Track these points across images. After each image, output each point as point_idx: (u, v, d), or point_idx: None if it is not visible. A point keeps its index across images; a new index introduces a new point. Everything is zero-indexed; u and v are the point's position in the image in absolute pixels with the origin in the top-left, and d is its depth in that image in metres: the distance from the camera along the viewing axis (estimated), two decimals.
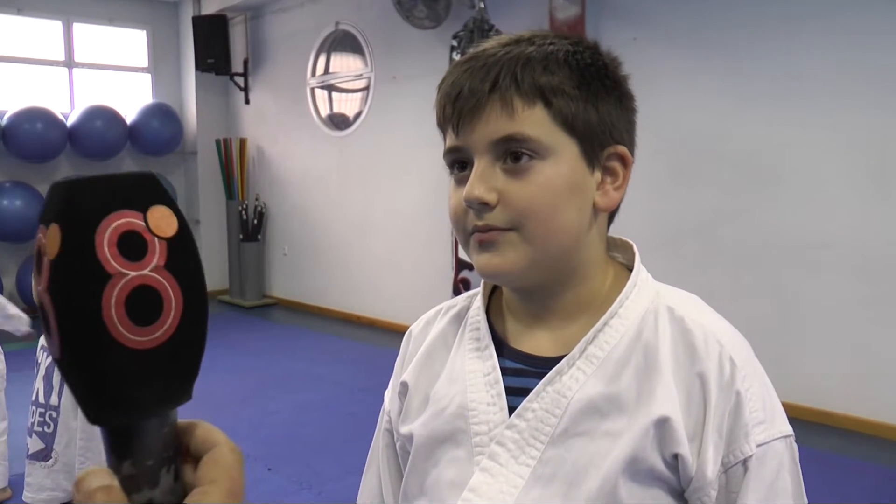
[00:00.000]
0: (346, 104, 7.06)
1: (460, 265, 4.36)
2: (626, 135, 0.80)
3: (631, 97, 0.81)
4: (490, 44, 0.78)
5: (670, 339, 0.76)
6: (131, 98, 7.63)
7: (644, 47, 4.55)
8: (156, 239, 0.39)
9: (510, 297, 0.84)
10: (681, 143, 4.49)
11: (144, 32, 7.77)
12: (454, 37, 4.66)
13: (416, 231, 6.08)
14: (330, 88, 7.14)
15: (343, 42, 6.85)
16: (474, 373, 0.81)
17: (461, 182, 0.77)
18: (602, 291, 0.80)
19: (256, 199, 7.75)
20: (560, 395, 0.76)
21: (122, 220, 0.38)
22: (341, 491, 3.35)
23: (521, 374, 0.80)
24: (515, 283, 0.80)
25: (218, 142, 7.77)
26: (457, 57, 4.46)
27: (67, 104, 7.30)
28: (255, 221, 7.66)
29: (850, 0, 3.86)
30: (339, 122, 7.04)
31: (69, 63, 7.37)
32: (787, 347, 4.05)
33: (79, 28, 7.38)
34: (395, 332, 5.40)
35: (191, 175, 8.02)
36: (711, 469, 0.71)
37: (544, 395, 0.76)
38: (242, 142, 7.80)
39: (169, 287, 0.39)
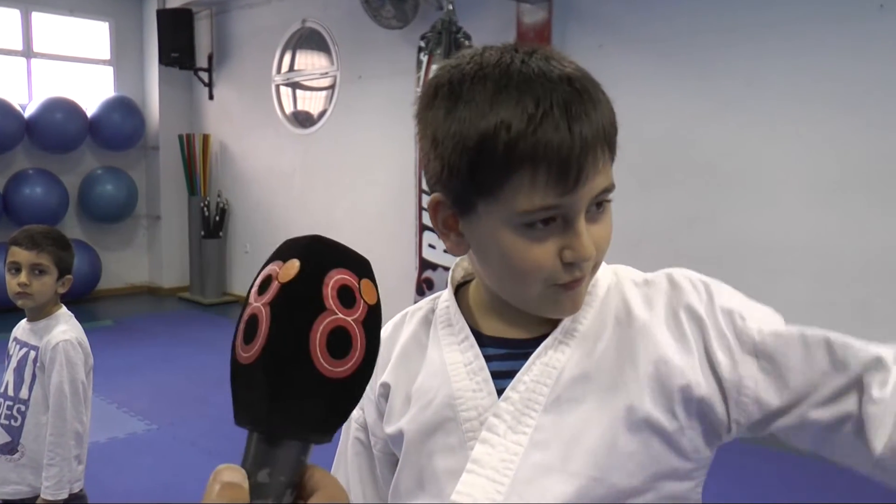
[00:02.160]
0: (311, 102, 7.03)
1: (424, 265, 4.38)
2: None
3: None
4: (531, 74, 0.71)
5: (640, 297, 0.81)
6: (92, 91, 7.50)
7: (610, 53, 4.60)
8: (362, 300, 0.49)
9: (486, 293, 0.85)
10: (645, 149, 4.55)
11: (107, 24, 7.64)
12: (422, 38, 4.67)
13: (380, 231, 6.07)
14: (295, 86, 7.11)
15: (309, 40, 6.82)
16: (455, 364, 0.82)
17: (539, 239, 0.73)
18: None
19: (219, 196, 7.67)
20: (549, 367, 0.79)
21: (345, 276, 0.49)
22: None
23: (506, 357, 0.82)
24: None
25: (181, 137, 7.68)
26: (424, 58, 4.47)
27: (25, 95, 7.15)
28: (217, 218, 7.59)
29: (810, 12, 3.95)
30: (303, 119, 7.01)
31: (27, 53, 7.22)
32: None
33: (38, 17, 7.24)
34: None
35: (152, 170, 7.91)
36: (734, 366, 0.75)
37: (534, 368, 0.79)
38: (205, 137, 7.72)
39: (360, 338, 0.49)
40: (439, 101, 0.75)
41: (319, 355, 0.47)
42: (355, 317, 0.49)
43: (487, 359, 0.82)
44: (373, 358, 0.50)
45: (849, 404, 0.71)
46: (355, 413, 0.93)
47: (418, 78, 4.50)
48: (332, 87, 6.60)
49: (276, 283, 0.48)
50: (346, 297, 0.49)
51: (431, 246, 4.31)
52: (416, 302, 0.95)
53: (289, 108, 7.13)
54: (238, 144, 7.57)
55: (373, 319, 0.50)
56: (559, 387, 0.78)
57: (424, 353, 0.87)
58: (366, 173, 6.26)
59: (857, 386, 0.71)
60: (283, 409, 0.47)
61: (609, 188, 0.75)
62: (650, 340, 0.77)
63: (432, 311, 0.90)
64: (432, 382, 0.83)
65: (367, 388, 0.90)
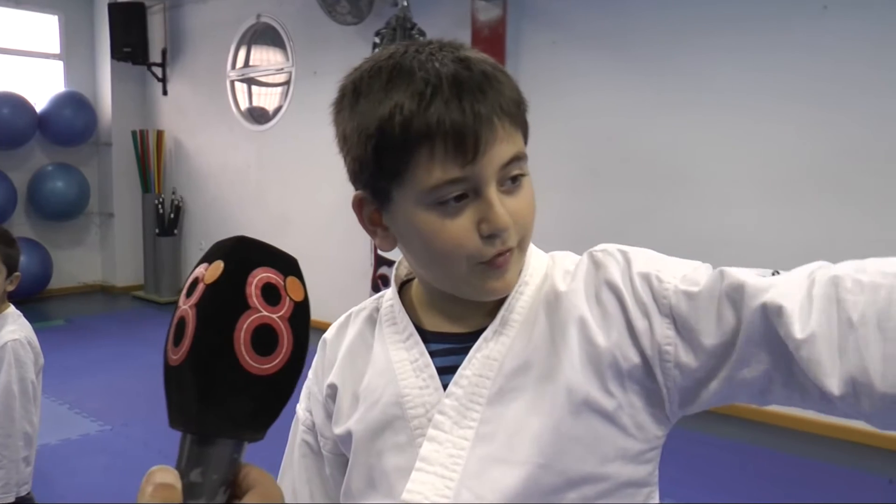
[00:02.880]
0: (266, 98, 6.98)
1: (379, 261, 4.38)
2: None
3: None
4: (434, 69, 0.73)
5: (568, 281, 0.81)
6: (41, 85, 7.34)
7: (562, 50, 4.66)
8: (288, 297, 0.50)
9: (428, 289, 0.86)
10: (595, 144, 4.62)
11: (56, 18, 7.48)
12: (376, 34, 4.67)
13: (336, 227, 6.05)
14: (250, 82, 7.04)
15: (264, 35, 6.76)
16: (401, 362, 0.83)
17: (454, 214, 0.74)
18: None
19: (173, 193, 7.57)
20: (490, 359, 0.79)
21: (269, 275, 0.50)
22: None
23: (449, 353, 0.82)
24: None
25: (134, 133, 7.56)
26: None
27: None
28: (172, 215, 7.49)
29: (757, 11, 4.05)
30: (258, 116, 6.95)
31: None
32: None
33: None
34: (314, 329, 5.37)
35: (105, 167, 7.77)
36: (648, 335, 0.74)
37: (475, 362, 0.79)
38: (159, 134, 7.61)
39: (286, 334, 0.50)
40: (345, 102, 0.79)
41: (245, 353, 0.48)
42: (280, 314, 0.49)
43: (431, 355, 0.82)
44: (302, 354, 0.51)
45: (776, 356, 0.69)
46: (302, 415, 0.94)
47: None
48: (287, 83, 6.56)
49: (202, 284, 0.49)
50: (271, 294, 0.49)
51: None
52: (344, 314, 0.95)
53: (244, 105, 7.06)
54: (193, 141, 7.48)
55: (300, 316, 0.51)
56: (501, 378, 0.78)
57: (370, 353, 0.87)
58: (321, 170, 6.22)
59: (775, 337, 0.68)
60: (211, 408, 0.48)
61: (518, 157, 0.75)
62: (578, 323, 0.77)
63: (377, 310, 0.90)
64: (379, 382, 0.84)
65: (315, 389, 0.92)
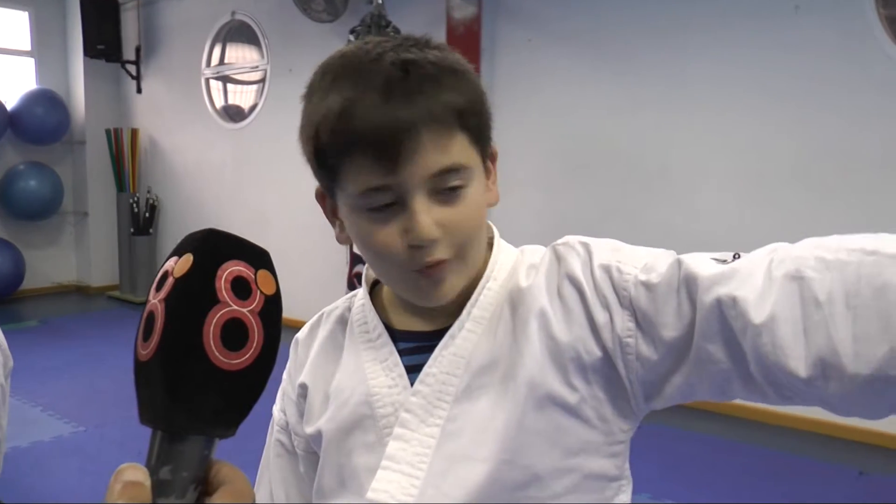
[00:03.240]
0: (242, 96, 6.93)
1: (355, 259, 4.37)
2: (490, 130, 0.82)
3: (484, 91, 0.82)
4: (366, 61, 0.73)
5: (531, 276, 0.81)
6: (12, 83, 7.24)
7: (538, 48, 4.67)
8: (258, 291, 0.49)
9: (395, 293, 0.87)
10: (572, 142, 4.63)
11: (27, 14, 7.38)
12: (351, 31, 4.65)
13: (312, 226, 6.02)
14: (225, 80, 6.99)
15: (239, 32, 6.71)
16: (371, 361, 0.83)
17: (382, 222, 0.74)
18: (482, 269, 0.84)
19: (148, 192, 7.51)
20: (457, 356, 0.79)
21: (239, 268, 0.49)
22: None
23: (416, 351, 0.82)
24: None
25: (108, 131, 7.48)
26: None
27: None
28: (147, 215, 7.43)
29: (729, 10, 4.08)
30: (234, 114, 6.90)
31: None
32: None
33: None
34: (290, 328, 5.35)
35: (79, 166, 7.68)
36: (609, 327, 0.73)
37: (441, 359, 0.79)
38: (134, 132, 7.54)
39: (257, 329, 0.48)
40: (305, 97, 0.79)
41: (214, 348, 0.47)
42: (251, 308, 0.49)
43: (400, 353, 0.83)
44: (273, 348, 0.50)
45: (733, 352, 0.66)
46: (277, 415, 0.94)
47: None
48: (262, 80, 6.52)
49: (171, 278, 0.48)
50: (242, 288, 0.49)
51: None
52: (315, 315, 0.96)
53: (219, 102, 7.01)
54: (168, 139, 7.42)
55: (271, 310, 0.50)
56: (468, 375, 0.78)
57: (341, 353, 0.87)
58: (298, 168, 6.08)
59: (730, 333, 0.66)
60: (181, 404, 0.47)
61: (454, 168, 0.73)
62: (539, 317, 0.77)
63: (348, 309, 0.90)
64: (349, 381, 0.84)
65: (289, 388, 0.92)
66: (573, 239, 0.81)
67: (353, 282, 4.31)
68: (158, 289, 0.49)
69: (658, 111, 4.37)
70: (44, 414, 4.26)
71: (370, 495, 0.78)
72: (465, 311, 0.81)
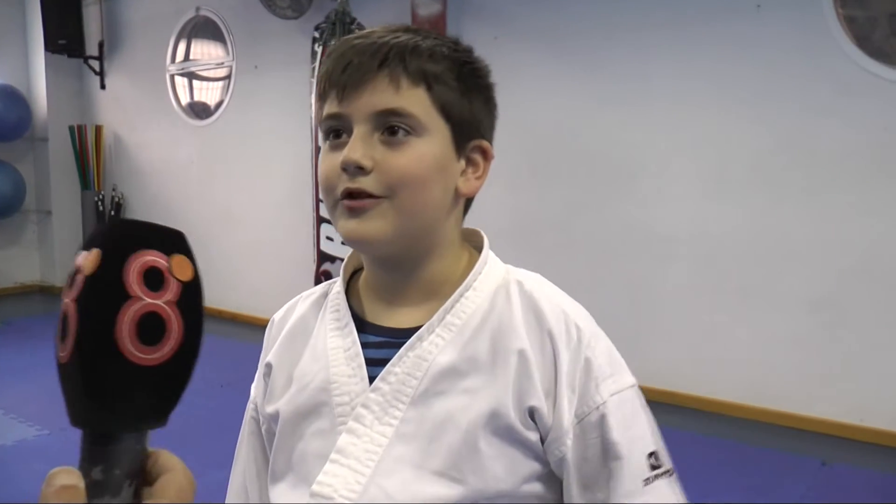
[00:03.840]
0: (207, 93, 6.86)
1: (322, 258, 4.36)
2: (489, 133, 0.88)
3: (496, 104, 0.89)
4: (378, 30, 0.83)
5: (521, 308, 0.82)
6: None
7: (504, 46, 4.67)
8: (173, 279, 0.47)
9: (371, 276, 0.88)
10: (538, 140, 4.65)
11: None
12: (316, 28, 4.63)
13: (279, 223, 6.00)
14: (190, 76, 6.92)
15: (204, 28, 6.64)
16: (336, 349, 0.84)
17: (336, 149, 0.81)
18: (458, 271, 0.86)
19: (114, 190, 7.40)
20: (421, 359, 0.80)
21: (150, 258, 0.47)
22: (205, 486, 3.28)
23: (383, 346, 0.83)
24: (377, 251, 0.85)
25: (72, 128, 7.35)
26: (318, 49, 4.44)
27: None
28: (113, 213, 7.32)
29: (692, 10, 4.12)
30: (199, 110, 6.83)
31: None
32: (638, 333, 4.30)
33: None
34: (257, 326, 5.32)
35: (41, 163, 7.55)
36: (567, 419, 0.78)
37: (406, 360, 0.81)
38: (98, 129, 7.43)
39: (174, 319, 0.47)
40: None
41: (130, 346, 0.45)
42: (167, 298, 0.47)
43: (366, 345, 0.84)
44: (195, 336, 0.49)
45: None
46: (252, 393, 0.96)
47: (313, 69, 4.47)
48: (228, 77, 6.46)
49: (81, 275, 0.46)
50: (154, 279, 0.47)
51: (329, 238, 4.30)
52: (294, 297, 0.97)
53: (185, 99, 6.93)
54: (133, 136, 7.32)
55: (189, 296, 0.48)
56: (427, 379, 0.80)
57: (310, 337, 0.89)
58: (263, 165, 6.17)
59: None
60: (102, 404, 0.46)
61: (399, 112, 0.79)
62: (521, 357, 0.79)
63: (325, 295, 0.92)
64: (313, 366, 0.86)
65: (260, 367, 0.93)
66: (576, 314, 0.83)
67: (320, 279, 4.30)
68: (70, 287, 0.47)
69: (623, 109, 4.40)
70: (6, 417, 4.20)
71: (315, 488, 0.79)
72: (436, 316, 0.82)
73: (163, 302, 0.46)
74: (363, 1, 4.84)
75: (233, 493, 0.97)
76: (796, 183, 3.92)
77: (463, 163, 0.85)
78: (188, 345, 0.48)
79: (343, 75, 0.80)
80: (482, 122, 0.86)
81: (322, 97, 0.83)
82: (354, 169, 0.78)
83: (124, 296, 0.45)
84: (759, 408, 4.04)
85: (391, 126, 0.79)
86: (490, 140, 0.88)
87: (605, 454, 0.79)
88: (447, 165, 0.82)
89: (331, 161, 0.81)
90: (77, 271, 0.47)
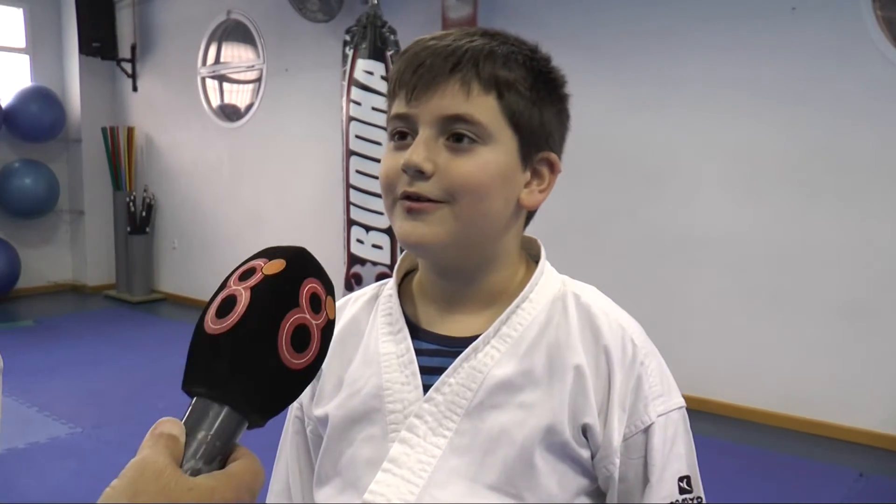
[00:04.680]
0: (238, 95, 6.92)
1: (352, 260, 4.37)
2: (558, 145, 0.86)
3: (568, 115, 0.88)
4: (454, 32, 0.82)
5: (578, 322, 0.81)
6: (7, 80, 7.21)
7: None
8: (325, 311, 0.56)
9: (426, 281, 0.87)
10: (570, 143, 4.60)
11: (21, 11, 7.35)
12: (347, 31, 4.64)
13: (308, 225, 6.03)
14: (221, 78, 6.98)
15: (235, 32, 6.70)
16: (388, 355, 0.83)
17: (400, 149, 0.79)
18: (515, 281, 0.85)
19: (145, 191, 7.49)
20: (476, 370, 0.79)
21: (317, 287, 0.56)
22: None
23: (437, 354, 0.82)
24: (433, 257, 0.84)
25: (104, 129, 7.45)
26: (349, 52, 4.45)
27: None
28: (144, 213, 7.41)
29: (725, 12, 4.08)
30: (230, 113, 6.89)
31: None
32: (669, 339, 4.22)
33: None
34: None
35: (74, 164, 7.66)
36: (617, 438, 0.77)
37: (461, 371, 0.79)
38: (130, 130, 7.52)
39: (317, 340, 0.55)
40: None
41: (284, 343, 0.53)
42: (318, 322, 0.55)
43: (419, 352, 0.83)
44: (320, 363, 0.56)
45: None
46: None
47: (344, 72, 4.48)
48: (258, 80, 6.51)
49: (261, 273, 0.54)
50: (315, 303, 0.55)
51: (360, 241, 4.31)
52: (343, 297, 0.96)
53: (215, 101, 7.00)
54: (164, 138, 7.40)
55: (329, 330, 0.57)
56: (482, 392, 0.79)
57: (361, 340, 0.88)
58: (293, 167, 6.20)
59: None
60: (239, 379, 0.52)
61: (467, 119, 0.77)
62: (577, 373, 0.79)
63: (376, 297, 0.91)
64: (364, 371, 0.85)
65: None
66: (632, 330, 0.83)
67: (350, 282, 4.31)
68: (243, 279, 0.54)
69: (655, 112, 4.37)
70: (40, 414, 4.25)
71: (367, 497, 0.78)
72: (492, 327, 0.81)
73: (315, 323, 0.55)
74: (394, 4, 4.85)
75: (274, 492, 0.97)
76: (829, 187, 3.87)
77: (528, 174, 0.83)
78: (315, 365, 0.55)
79: (414, 76, 0.78)
80: (552, 133, 0.84)
81: (391, 96, 0.82)
82: (415, 172, 0.77)
83: (295, 303, 0.54)
84: (792, 416, 3.99)
85: (457, 133, 0.78)
86: (559, 153, 0.86)
87: (643, 474, 0.79)
88: (511, 176, 0.80)
89: (393, 161, 0.80)
90: (255, 269, 0.55)
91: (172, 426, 0.50)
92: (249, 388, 0.52)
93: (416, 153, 0.77)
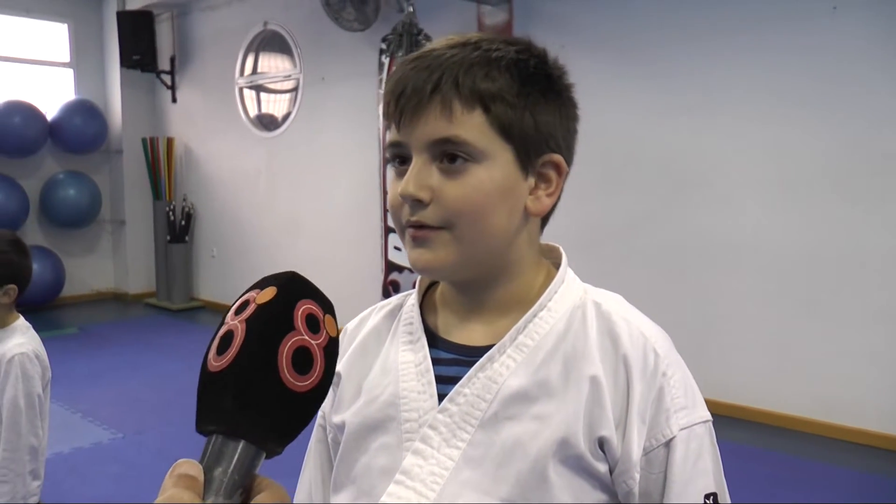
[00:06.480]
0: (275, 105, 7.00)
1: (390, 267, 4.38)
2: (564, 143, 0.82)
3: (573, 105, 0.83)
4: (438, 44, 0.80)
5: (597, 331, 0.79)
6: (52, 94, 7.39)
7: (571, 54, 4.63)
8: (325, 330, 0.56)
9: (446, 291, 0.87)
10: (604, 148, 4.60)
11: (66, 26, 7.53)
12: (383, 40, 4.67)
13: (346, 233, 6.07)
14: (258, 88, 7.07)
15: (271, 42, 6.78)
16: (406, 363, 0.83)
17: (401, 175, 0.79)
18: (534, 288, 0.83)
19: (184, 200, 7.61)
20: (491, 380, 0.78)
21: (313, 307, 0.56)
22: None
23: (454, 363, 0.81)
24: (446, 278, 0.84)
25: (144, 140, 7.60)
26: (385, 60, 4.48)
27: None
28: (183, 222, 7.53)
29: (765, 13, 4.03)
30: (267, 122, 6.97)
31: None
32: (703, 344, 4.21)
33: None
34: None
35: (116, 174, 7.81)
36: (636, 452, 0.74)
37: (476, 381, 0.78)
38: (169, 141, 7.65)
39: (320, 360, 0.55)
40: None
41: (285, 367, 0.53)
42: (319, 342, 0.55)
43: (437, 361, 0.82)
44: (328, 382, 0.56)
45: None
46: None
47: (380, 80, 4.51)
48: (295, 89, 6.58)
49: (254, 304, 0.55)
50: (313, 323, 0.56)
51: (397, 248, 4.32)
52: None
53: (253, 111, 7.09)
54: (203, 148, 7.51)
55: (332, 348, 0.57)
56: (497, 402, 0.77)
57: (381, 349, 0.88)
58: (331, 176, 6.25)
59: None
60: (247, 410, 0.52)
61: (455, 140, 0.75)
62: (594, 383, 0.76)
63: (400, 307, 0.91)
64: (382, 380, 0.84)
65: None
66: (655, 338, 0.80)
67: (387, 289, 4.32)
68: (238, 313, 0.55)
69: (691, 116, 4.33)
70: (83, 420, 4.33)
71: None
72: (508, 335, 0.79)
73: (315, 343, 0.55)
74: (429, 12, 4.87)
75: (299, 501, 0.96)
76: (866, 190, 3.79)
77: (532, 181, 0.80)
78: (322, 387, 0.55)
79: (398, 106, 0.78)
80: (552, 134, 0.80)
81: (386, 121, 0.83)
82: (412, 202, 0.77)
83: (290, 326, 0.54)
84: (828, 423, 3.91)
85: (450, 153, 0.76)
86: (565, 149, 0.83)
87: (664, 490, 0.76)
88: (511, 188, 0.78)
89: (395, 190, 0.80)
90: (248, 302, 0.55)
91: (190, 467, 0.50)
92: (258, 418, 0.52)
93: (410, 183, 0.77)
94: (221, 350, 0.53)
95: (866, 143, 3.77)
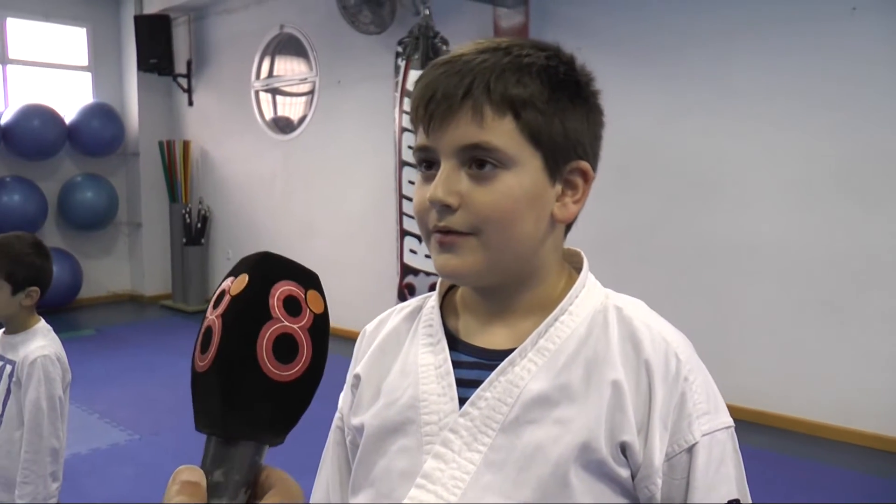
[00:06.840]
0: (291, 108, 7.02)
1: (406, 270, 4.38)
2: (591, 149, 0.82)
3: (600, 112, 0.83)
4: (467, 48, 0.79)
5: (618, 335, 0.78)
6: (70, 97, 7.45)
7: (587, 56, 4.55)
8: (308, 310, 0.53)
9: (467, 295, 0.87)
10: (622, 150, 4.58)
11: (84, 30, 7.59)
12: (399, 43, 4.67)
13: (361, 236, 6.08)
14: (274, 92, 7.09)
15: (288, 45, 6.80)
16: (426, 366, 0.83)
17: (428, 180, 0.79)
18: (556, 293, 0.83)
19: (200, 203, 7.64)
20: (512, 384, 0.78)
21: (291, 288, 0.52)
22: None
23: (475, 366, 0.81)
24: (472, 283, 0.84)
25: (161, 143, 7.64)
26: (402, 63, 4.48)
27: (1, 102, 7.10)
28: (199, 225, 7.56)
29: (783, 13, 4.00)
30: (283, 125, 6.99)
31: (2, 59, 7.16)
32: (721, 348, 4.18)
33: (12, 23, 7.17)
34: (340, 338, 5.38)
35: (133, 177, 7.87)
36: (658, 457, 0.74)
37: (497, 385, 0.78)
38: (186, 144, 7.69)
39: (306, 343, 0.52)
40: None
41: (266, 360, 0.50)
42: (301, 324, 0.52)
43: (457, 365, 0.82)
44: (321, 363, 0.53)
45: None
46: (340, 403, 0.95)
47: (396, 83, 4.51)
48: (311, 92, 6.60)
49: (228, 296, 0.52)
50: (292, 306, 0.52)
51: (413, 251, 4.32)
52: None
53: (269, 114, 7.11)
54: (219, 151, 7.55)
55: (319, 327, 0.53)
56: (518, 406, 0.77)
57: (400, 350, 0.87)
58: (346, 179, 6.26)
59: None
60: (235, 410, 0.50)
61: (485, 146, 0.75)
62: (615, 388, 0.76)
63: (419, 309, 0.90)
64: (402, 382, 0.84)
65: (349, 377, 0.92)
66: (677, 344, 0.79)
67: (403, 292, 4.32)
68: (215, 306, 0.52)
69: (708, 118, 4.30)
70: (101, 421, 4.35)
71: None
72: (529, 340, 0.79)
73: (297, 327, 0.52)
74: (446, 15, 4.88)
75: (315, 502, 0.96)
76: (886, 193, 3.75)
77: (559, 187, 0.80)
78: (314, 369, 0.52)
79: (427, 110, 0.77)
80: (580, 141, 0.80)
81: (412, 124, 0.82)
82: (441, 207, 0.77)
83: (267, 316, 0.51)
84: (851, 429, 3.87)
85: (479, 159, 0.76)
86: (591, 156, 0.83)
87: (687, 495, 0.76)
88: (539, 195, 0.79)
89: (422, 194, 0.80)
90: (224, 293, 0.52)
91: (191, 473, 0.50)
92: (249, 416, 0.51)
93: (439, 188, 0.77)
94: (204, 348, 0.51)
95: (885, 146, 3.73)
